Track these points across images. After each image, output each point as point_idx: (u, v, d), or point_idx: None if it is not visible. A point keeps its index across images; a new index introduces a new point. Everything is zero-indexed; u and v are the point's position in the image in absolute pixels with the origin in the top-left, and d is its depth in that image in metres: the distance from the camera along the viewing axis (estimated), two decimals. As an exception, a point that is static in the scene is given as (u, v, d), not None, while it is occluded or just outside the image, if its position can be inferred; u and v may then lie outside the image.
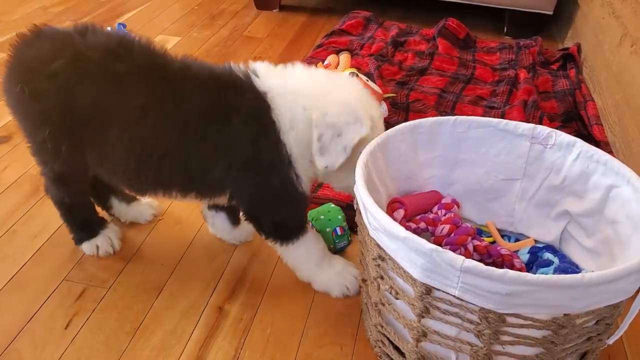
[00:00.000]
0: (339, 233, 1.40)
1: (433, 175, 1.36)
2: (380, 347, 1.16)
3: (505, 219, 1.37)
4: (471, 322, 0.96)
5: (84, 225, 1.35)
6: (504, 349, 0.97)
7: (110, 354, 1.14)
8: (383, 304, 1.10)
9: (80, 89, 1.12)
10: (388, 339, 1.14)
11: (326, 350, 1.18)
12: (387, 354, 1.15)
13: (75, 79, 1.12)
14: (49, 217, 1.46)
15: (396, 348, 1.13)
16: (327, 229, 1.39)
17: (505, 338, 0.95)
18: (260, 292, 1.30)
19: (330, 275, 1.29)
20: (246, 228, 1.40)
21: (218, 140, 1.13)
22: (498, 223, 1.38)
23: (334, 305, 1.28)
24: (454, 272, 0.91)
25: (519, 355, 0.98)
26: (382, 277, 1.07)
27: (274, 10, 2.90)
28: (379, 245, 1.04)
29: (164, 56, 1.16)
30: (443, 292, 0.95)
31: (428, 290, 0.97)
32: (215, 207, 1.37)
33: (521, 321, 0.93)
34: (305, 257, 1.27)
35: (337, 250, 1.41)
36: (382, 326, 1.13)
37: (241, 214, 1.30)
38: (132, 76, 1.12)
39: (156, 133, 1.13)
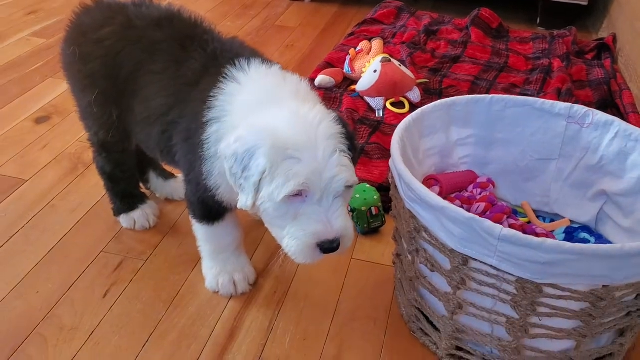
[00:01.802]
0: (374, 213, 1.41)
1: (468, 155, 1.36)
2: (414, 322, 1.16)
3: (540, 200, 1.36)
4: (507, 293, 0.96)
5: (124, 197, 1.38)
6: (540, 321, 0.96)
7: (147, 322, 1.16)
8: (418, 278, 1.10)
9: (124, 54, 1.17)
10: (422, 313, 1.14)
11: (359, 324, 1.18)
12: (422, 329, 1.15)
13: (120, 45, 1.17)
14: (87, 193, 1.49)
15: (430, 323, 1.13)
16: (363, 208, 1.40)
17: (542, 310, 0.95)
18: (294, 267, 1.31)
19: (216, 267, 1.24)
20: None
21: (178, 114, 1.12)
22: (533, 203, 1.37)
23: (367, 280, 1.28)
24: (492, 241, 0.91)
25: (556, 329, 0.97)
26: (417, 250, 1.07)
27: (306, 1, 2.91)
28: (414, 217, 1.04)
29: (197, 27, 1.18)
30: (480, 262, 0.95)
31: (465, 260, 0.97)
32: None
33: (559, 292, 0.92)
34: (203, 239, 1.23)
35: (370, 230, 1.41)
36: (416, 300, 1.13)
37: None
38: (165, 44, 1.15)
39: (156, 95, 1.15)
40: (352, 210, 1.41)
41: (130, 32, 1.17)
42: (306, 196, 0.96)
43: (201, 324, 1.17)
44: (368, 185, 1.47)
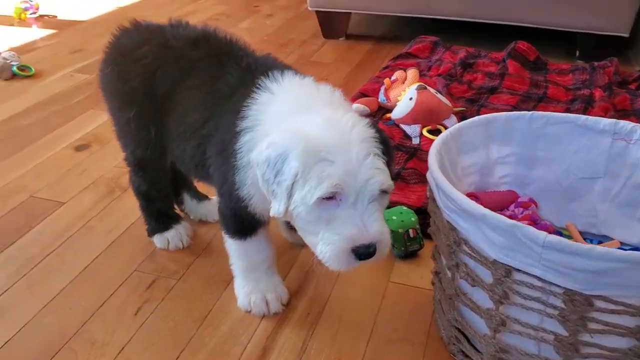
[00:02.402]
0: (412, 235, 1.37)
1: (509, 174, 1.32)
2: (454, 343, 1.11)
3: (586, 220, 1.31)
4: (555, 307, 0.90)
5: (158, 217, 1.38)
6: (592, 338, 0.90)
7: (178, 339, 1.13)
8: (458, 295, 1.05)
9: (161, 72, 1.19)
10: (463, 334, 1.09)
11: (396, 345, 1.13)
12: (462, 351, 1.09)
13: (157, 64, 1.19)
14: (123, 215, 1.50)
15: (472, 344, 1.08)
16: (400, 230, 1.36)
17: (593, 326, 0.89)
18: (328, 289, 1.27)
19: (248, 286, 1.21)
20: None
21: (213, 127, 1.12)
22: (579, 225, 1.31)
23: (405, 303, 1.24)
24: (536, 249, 0.86)
25: (609, 348, 0.91)
26: (457, 265, 1.03)
27: (341, 39, 2.95)
28: (454, 229, 1.01)
29: (232, 45, 1.19)
30: (524, 273, 0.90)
31: (507, 272, 0.92)
32: None
33: (611, 305, 0.87)
34: (235, 255, 1.20)
35: (408, 253, 1.37)
36: (456, 320, 1.08)
37: None
38: (201, 61, 1.17)
39: (192, 110, 1.15)
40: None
41: (168, 51, 1.19)
42: (340, 199, 0.93)
43: (233, 342, 1.13)
44: (405, 208, 1.43)
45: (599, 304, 0.87)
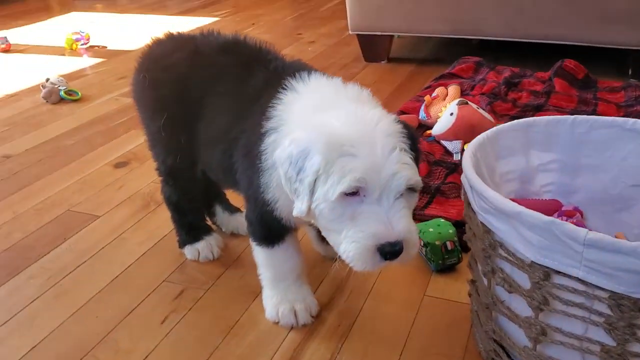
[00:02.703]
0: (449, 248, 1.30)
1: (552, 182, 1.25)
2: (493, 358, 1.03)
3: (638, 231, 1.22)
4: (600, 313, 0.83)
5: (189, 228, 1.37)
6: (642, 346, 0.82)
7: (204, 348, 1.10)
8: (495, 304, 0.98)
9: (191, 80, 1.19)
10: (501, 346, 1.01)
11: (431, 360, 1.07)
12: (501, 366, 1.02)
13: (188, 71, 1.19)
14: (157, 228, 1.49)
15: (511, 358, 1.00)
16: (437, 242, 1.30)
17: (643, 334, 0.81)
18: (360, 302, 1.22)
19: (276, 296, 1.16)
20: None
21: (239, 130, 1.10)
22: (630, 236, 1.22)
23: (441, 317, 1.17)
24: (577, 247, 0.80)
25: (662, 360, 0.83)
26: (492, 271, 0.97)
27: (382, 62, 2.93)
28: (488, 231, 0.95)
29: (261, 50, 1.18)
30: (564, 275, 0.84)
31: (546, 274, 0.86)
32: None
33: (663, 310, 0.79)
34: (263, 264, 1.16)
35: (445, 267, 1.30)
36: (494, 331, 1.01)
37: None
38: (230, 67, 1.16)
39: (220, 115, 1.14)
40: (425, 245, 1.31)
41: (198, 58, 1.19)
42: (364, 195, 0.89)
43: (258, 353, 1.09)
44: (443, 220, 1.37)
45: (650, 309, 0.79)
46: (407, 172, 0.90)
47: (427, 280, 1.28)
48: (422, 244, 1.33)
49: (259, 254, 1.16)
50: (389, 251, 0.89)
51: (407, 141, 0.94)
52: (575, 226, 0.80)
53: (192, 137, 1.20)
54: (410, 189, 0.92)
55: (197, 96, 1.17)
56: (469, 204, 1.01)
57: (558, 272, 0.84)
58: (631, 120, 1.18)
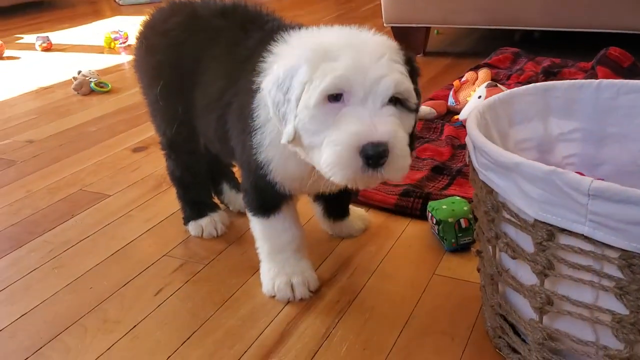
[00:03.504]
0: (463, 226, 1.22)
1: (574, 153, 1.15)
2: (500, 336, 0.94)
3: (670, 206, 1.10)
4: (610, 277, 0.73)
5: (194, 204, 1.32)
6: (658, 314, 0.72)
7: (194, 320, 1.05)
8: (500, 273, 0.90)
9: (188, 44, 1.15)
10: (508, 322, 0.92)
11: (433, 339, 0.98)
12: (508, 344, 0.93)
13: (184, 35, 1.15)
14: (165, 206, 1.45)
15: (518, 335, 0.91)
16: (450, 220, 1.21)
17: (659, 300, 0.71)
18: (364, 279, 1.15)
19: (273, 269, 1.10)
20: (347, 224, 1.29)
21: (232, 93, 1.06)
22: (661, 211, 1.11)
23: (449, 296, 1.09)
24: (581, 199, 0.71)
25: (683, 331, 0.72)
26: (496, 236, 0.88)
27: (418, 56, 2.84)
28: (491, 191, 0.86)
29: (260, 14, 1.13)
30: (569, 234, 0.75)
31: (550, 234, 0.77)
32: (316, 198, 1.28)
33: (681, 271, 0.69)
34: (260, 237, 1.11)
35: (459, 247, 1.22)
36: (500, 305, 0.92)
37: None
38: (227, 30, 1.12)
39: (214, 80, 1.10)
40: (438, 223, 1.23)
41: (195, 21, 1.16)
42: (348, 101, 0.84)
43: (250, 325, 1.03)
44: (459, 198, 1.29)
45: (666, 269, 0.69)
46: (396, 75, 0.84)
47: (439, 259, 1.20)
48: (434, 222, 1.25)
49: (256, 225, 1.11)
50: (373, 153, 0.81)
51: (401, 57, 0.89)
52: (579, 175, 0.71)
53: (189, 105, 1.16)
54: (404, 106, 0.87)
55: (192, 61, 1.13)
56: (473, 168, 0.93)
57: (562, 231, 0.75)
58: (662, 83, 1.07)
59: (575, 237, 0.74)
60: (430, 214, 1.26)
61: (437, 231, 1.24)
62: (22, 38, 3.61)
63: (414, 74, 0.92)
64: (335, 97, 0.84)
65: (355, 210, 1.32)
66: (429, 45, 2.92)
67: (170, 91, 1.17)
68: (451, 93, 1.93)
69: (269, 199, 1.06)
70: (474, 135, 0.88)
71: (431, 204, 1.28)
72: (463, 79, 1.95)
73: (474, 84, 1.90)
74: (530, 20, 2.55)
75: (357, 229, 1.29)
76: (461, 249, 1.22)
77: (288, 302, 1.09)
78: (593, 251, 0.73)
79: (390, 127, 0.83)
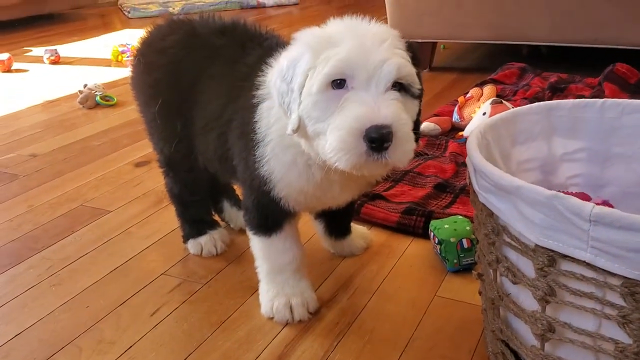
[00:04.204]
0: (466, 246, 1.20)
1: (579, 174, 1.13)
2: (500, 361, 0.92)
3: (677, 228, 1.08)
4: (613, 305, 0.71)
5: (193, 222, 1.31)
6: (663, 344, 0.70)
7: (190, 342, 1.03)
8: (501, 298, 0.87)
9: (186, 62, 1.14)
10: (509, 348, 0.90)
11: (433, 363, 0.96)
12: (509, 370, 0.90)
13: (183, 53, 1.14)
14: (165, 223, 1.44)
15: (520, 361, 0.89)
16: (452, 240, 1.20)
17: (664, 329, 0.69)
18: (364, 300, 1.13)
19: (273, 290, 1.09)
20: (349, 243, 1.28)
21: (232, 111, 1.05)
22: (668, 234, 1.09)
23: (450, 318, 1.07)
24: (582, 225, 0.69)
25: (689, 362, 0.70)
26: (497, 260, 0.86)
27: (424, 71, 2.83)
28: (491, 214, 0.85)
29: (258, 32, 1.13)
30: (571, 260, 0.73)
31: (551, 260, 0.75)
32: (317, 216, 1.26)
33: (686, 301, 0.67)
34: (260, 256, 1.09)
35: (461, 267, 1.20)
36: (501, 330, 0.90)
37: None
38: (225, 49, 1.11)
39: (213, 99, 1.09)
40: (440, 242, 1.21)
41: (194, 39, 1.15)
42: (351, 87, 0.84)
43: (247, 348, 1.01)
44: (461, 217, 1.27)
45: (670, 298, 0.67)
46: (398, 59, 0.84)
47: (441, 280, 1.18)
48: (436, 241, 1.23)
49: (256, 244, 1.09)
50: (376, 136, 0.80)
51: (404, 45, 0.89)
52: (580, 200, 0.70)
53: (188, 123, 1.15)
54: (408, 92, 0.86)
55: (191, 80, 1.12)
56: (473, 190, 0.91)
57: (564, 257, 0.73)
58: (668, 103, 1.05)
59: (577, 264, 0.72)
60: (432, 233, 1.25)
61: (439, 251, 1.22)
62: (31, 51, 3.63)
63: (416, 61, 0.91)
64: (338, 84, 0.85)
65: (357, 229, 1.30)
66: (435, 60, 2.91)
67: (168, 109, 1.16)
68: (456, 109, 1.92)
69: (271, 217, 1.05)
70: (474, 156, 0.86)
71: (433, 223, 1.26)
72: (468, 95, 1.94)
73: (478, 100, 1.89)
74: (536, 36, 2.53)
75: (359, 248, 1.28)
76: (464, 269, 1.20)
77: (287, 323, 1.07)
78: (595, 278, 0.71)
79: (394, 110, 0.83)
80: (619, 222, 0.66)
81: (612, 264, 0.68)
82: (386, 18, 2.83)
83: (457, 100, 2.01)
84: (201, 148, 1.16)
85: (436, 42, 2.84)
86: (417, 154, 1.73)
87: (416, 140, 0.95)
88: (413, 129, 0.89)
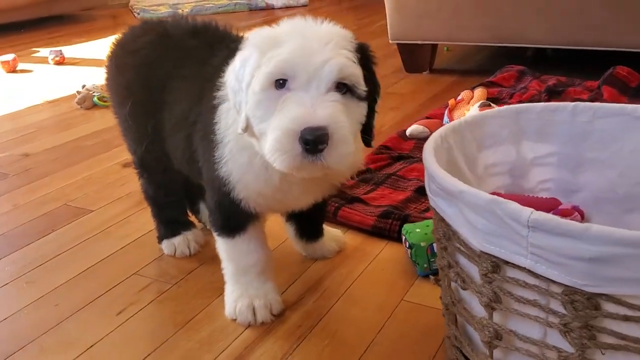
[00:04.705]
0: (436, 250, 1.18)
1: (550, 179, 1.11)
2: (457, 368, 0.91)
3: (648, 235, 1.05)
4: (555, 313, 0.70)
5: (168, 223, 1.31)
6: (603, 354, 0.68)
7: (151, 342, 1.03)
8: (454, 303, 0.86)
9: (158, 62, 1.14)
10: (464, 355, 0.89)
11: (391, 368, 0.95)
12: (465, 378, 0.89)
13: (154, 54, 1.15)
14: (144, 223, 1.45)
15: (475, 368, 0.87)
16: (422, 244, 1.18)
17: (604, 339, 0.67)
18: (330, 304, 1.12)
19: (237, 291, 1.08)
20: (321, 246, 1.27)
21: (197, 112, 1.05)
22: None
23: (414, 324, 1.05)
24: (521, 230, 0.68)
25: (632, 372, 0.68)
26: (449, 265, 0.85)
27: (424, 73, 2.82)
28: (442, 219, 0.83)
29: (228, 34, 1.13)
30: (514, 266, 0.71)
31: (495, 266, 0.74)
32: (288, 218, 1.26)
33: (624, 310, 0.65)
34: (225, 257, 1.09)
35: (431, 271, 1.18)
36: (455, 337, 0.89)
37: None
38: (196, 50, 1.11)
39: (181, 99, 1.10)
40: (410, 247, 1.20)
41: (166, 41, 1.15)
42: (292, 87, 0.84)
43: (207, 349, 1.01)
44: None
45: (608, 307, 0.66)
46: (341, 59, 0.83)
47: (410, 285, 1.16)
48: (407, 245, 1.22)
49: (221, 245, 1.09)
50: (311, 138, 0.79)
51: (352, 45, 0.88)
52: (519, 205, 0.68)
53: (158, 124, 1.15)
54: (353, 94, 0.85)
55: (161, 81, 1.13)
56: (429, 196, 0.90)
57: (507, 263, 0.72)
58: (640, 107, 1.03)
59: (520, 270, 0.71)
60: (404, 237, 1.23)
61: (410, 255, 1.21)
62: (38, 52, 3.67)
63: (367, 62, 0.91)
64: (281, 84, 0.84)
65: (330, 231, 1.29)
66: (437, 62, 2.89)
67: (140, 110, 1.16)
68: (446, 112, 1.90)
69: (233, 218, 1.04)
70: (425, 159, 0.85)
71: (406, 226, 1.25)
72: (459, 97, 1.92)
73: (469, 102, 1.87)
74: (535, 38, 2.50)
75: (331, 251, 1.27)
76: (434, 274, 1.18)
77: (249, 325, 1.07)
78: (538, 285, 0.70)
79: (331, 112, 0.82)
80: (557, 229, 0.65)
81: (552, 271, 0.67)
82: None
83: (448, 103, 2.00)
84: (171, 149, 1.16)
85: (437, 45, 2.82)
86: (404, 157, 1.72)
87: (368, 145, 0.94)
88: (364, 133, 0.88)
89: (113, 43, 1.23)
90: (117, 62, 1.19)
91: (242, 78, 0.88)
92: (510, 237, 0.69)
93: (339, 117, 0.83)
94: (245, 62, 0.88)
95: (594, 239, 0.62)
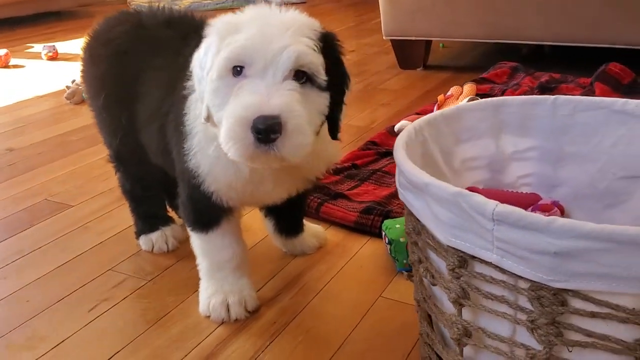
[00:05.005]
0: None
1: (530, 173, 1.08)
2: (429, 367, 0.89)
3: (629, 231, 1.03)
4: (523, 309, 0.67)
5: (146, 217, 1.30)
6: (570, 351, 0.66)
7: (120, 339, 1.01)
8: (425, 300, 0.84)
9: (131, 53, 1.12)
10: (435, 353, 0.86)
11: (363, 366, 0.93)
12: (437, 376, 0.87)
13: (128, 45, 1.13)
14: (124, 218, 1.42)
15: (447, 367, 0.85)
16: (401, 239, 1.16)
17: (571, 336, 0.65)
18: (307, 300, 1.10)
19: (211, 287, 1.06)
20: (300, 241, 1.25)
21: (170, 103, 1.03)
22: (620, 237, 1.04)
23: (391, 321, 1.03)
24: (486, 224, 0.65)
25: (600, 371, 0.66)
26: (419, 260, 0.83)
27: (418, 69, 2.79)
28: (410, 213, 0.81)
29: (203, 24, 1.11)
30: (481, 261, 0.69)
31: (461, 260, 0.71)
32: (267, 213, 1.24)
33: (591, 306, 0.63)
34: (199, 253, 1.07)
35: (411, 267, 1.15)
36: (427, 334, 0.86)
37: None
38: (171, 40, 1.09)
39: (154, 90, 1.08)
40: (390, 242, 1.18)
41: (140, 31, 1.13)
42: (249, 74, 0.82)
43: (177, 346, 0.99)
44: (416, 217, 1.23)
45: (575, 303, 0.63)
46: (300, 47, 0.80)
47: (389, 281, 1.14)
48: (387, 242, 1.19)
49: (195, 240, 1.07)
50: (262, 127, 0.77)
51: (315, 33, 0.86)
52: (484, 198, 0.66)
53: (133, 116, 1.13)
54: (313, 83, 0.83)
55: (136, 71, 1.11)
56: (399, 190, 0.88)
57: (474, 258, 0.70)
58: (621, 100, 1.01)
59: (487, 265, 0.69)
60: (384, 233, 1.21)
61: (389, 250, 1.19)
62: (32, 47, 3.65)
63: (332, 52, 0.88)
64: (238, 71, 0.82)
65: (310, 227, 1.27)
66: (431, 58, 2.87)
67: (114, 102, 1.14)
68: (435, 108, 1.88)
69: (206, 212, 1.02)
70: (395, 151, 0.83)
71: (386, 222, 1.23)
72: (448, 93, 1.90)
73: (457, 98, 1.84)
74: (531, 35, 2.48)
75: (311, 247, 1.25)
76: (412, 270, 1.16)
77: (223, 322, 1.04)
78: (505, 281, 0.68)
79: (286, 100, 0.80)
80: (522, 222, 0.62)
81: (518, 266, 0.65)
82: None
83: (437, 99, 1.97)
84: (146, 141, 1.14)
85: (431, 41, 2.79)
86: (391, 153, 1.69)
87: (334, 137, 0.92)
88: (330, 124, 0.86)
89: (88, 34, 1.21)
90: (91, 52, 1.17)
91: (204, 65, 0.86)
92: (476, 231, 0.67)
93: (294, 106, 0.80)
94: (208, 49, 0.87)
95: (559, 232, 0.60)
